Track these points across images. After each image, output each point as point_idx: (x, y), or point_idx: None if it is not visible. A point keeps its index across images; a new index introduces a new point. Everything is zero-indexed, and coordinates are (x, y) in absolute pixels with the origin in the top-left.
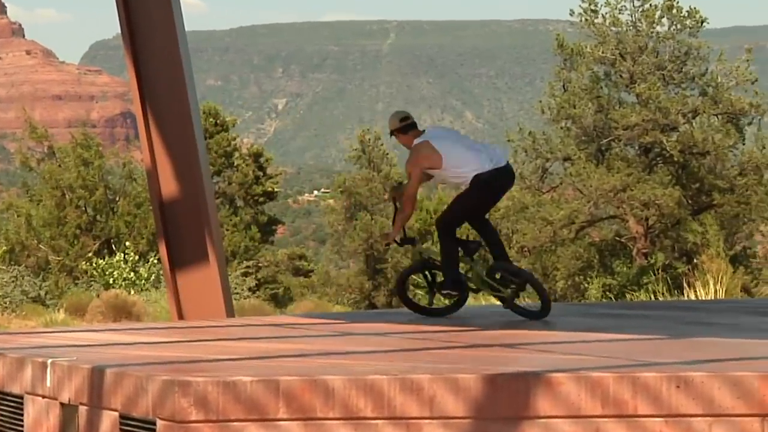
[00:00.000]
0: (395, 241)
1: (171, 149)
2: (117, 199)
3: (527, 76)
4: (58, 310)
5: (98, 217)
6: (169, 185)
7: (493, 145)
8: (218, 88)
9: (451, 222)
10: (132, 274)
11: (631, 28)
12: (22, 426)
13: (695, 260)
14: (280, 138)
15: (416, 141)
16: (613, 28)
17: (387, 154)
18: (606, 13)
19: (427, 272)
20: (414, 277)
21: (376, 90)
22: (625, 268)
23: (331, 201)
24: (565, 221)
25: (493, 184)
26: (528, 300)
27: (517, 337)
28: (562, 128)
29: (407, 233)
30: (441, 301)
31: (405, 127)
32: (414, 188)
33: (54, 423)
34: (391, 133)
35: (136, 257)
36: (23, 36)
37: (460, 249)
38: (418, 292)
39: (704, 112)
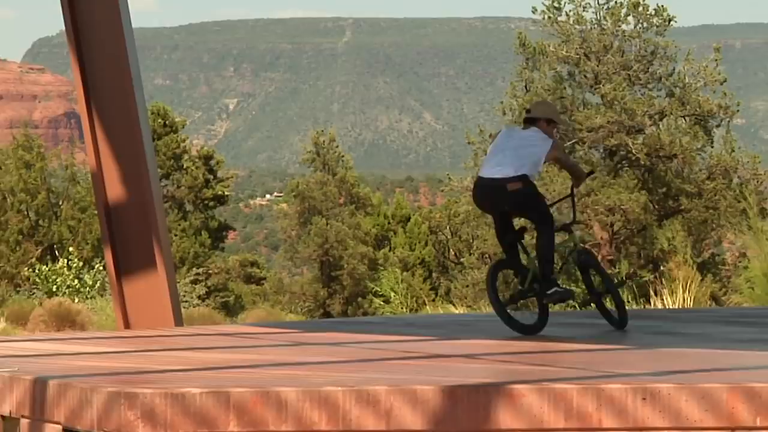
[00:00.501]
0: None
1: (117, 151)
2: (60, 203)
3: (488, 75)
4: None
5: (41, 221)
6: (115, 189)
7: (508, 153)
8: (167, 87)
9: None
10: (76, 281)
11: (595, 26)
12: None
13: (662, 267)
14: (231, 140)
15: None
16: (577, 27)
17: (342, 156)
18: (570, 11)
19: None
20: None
21: (332, 90)
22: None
23: (284, 205)
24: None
25: (474, 192)
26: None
27: (478, 348)
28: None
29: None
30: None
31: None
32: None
33: None
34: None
35: (81, 264)
36: None
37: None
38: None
39: (671, 113)
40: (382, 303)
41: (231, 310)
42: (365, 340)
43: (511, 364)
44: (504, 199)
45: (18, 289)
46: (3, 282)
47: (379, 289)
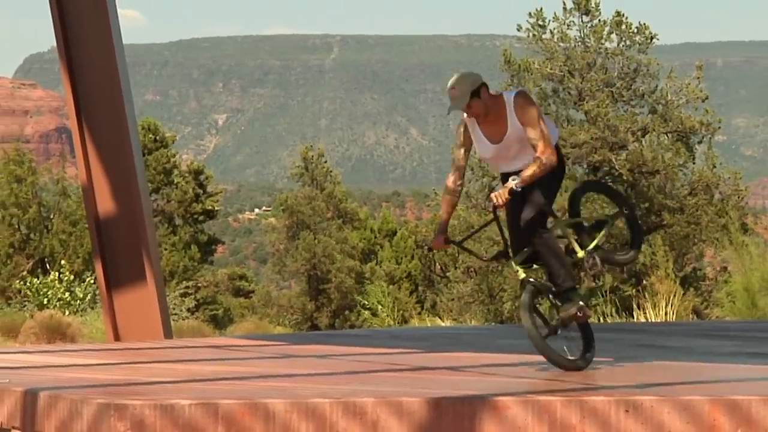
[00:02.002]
0: (479, 256)
1: (108, 166)
2: (51, 216)
3: None
4: None
5: (32, 235)
6: (105, 203)
7: None
8: (157, 103)
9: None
10: (67, 294)
11: (579, 44)
12: None
13: (645, 282)
14: (220, 154)
15: (508, 94)
16: (561, 44)
17: (330, 171)
18: (554, 29)
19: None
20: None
21: (319, 106)
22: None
23: (272, 219)
24: None
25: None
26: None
27: (463, 360)
28: None
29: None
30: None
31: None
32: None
33: None
34: (476, 93)
35: (72, 277)
36: None
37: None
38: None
39: (654, 130)
40: (369, 315)
41: (220, 322)
42: (352, 353)
43: (496, 376)
44: None
45: (9, 301)
46: None
47: (366, 302)
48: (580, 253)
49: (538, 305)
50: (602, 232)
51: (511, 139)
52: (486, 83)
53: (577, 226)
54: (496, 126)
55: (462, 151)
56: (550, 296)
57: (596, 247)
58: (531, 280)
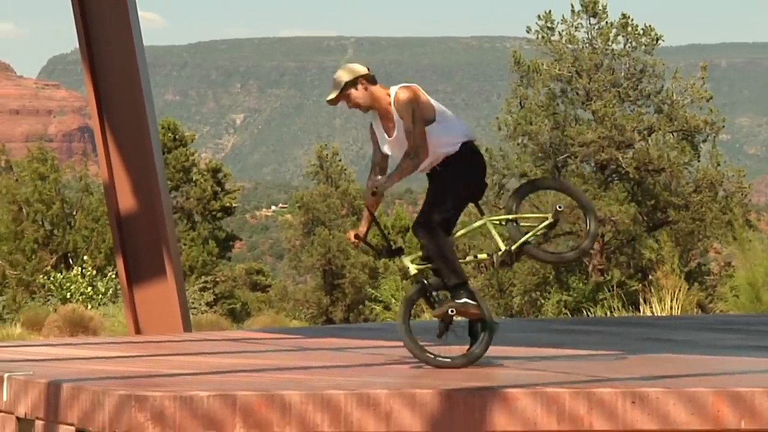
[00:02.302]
0: (376, 252)
1: (129, 164)
2: (74, 213)
3: (484, 92)
4: (15, 324)
5: (55, 231)
6: (126, 200)
7: None
8: (176, 103)
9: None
10: (89, 288)
11: (587, 45)
12: None
13: (650, 277)
14: (237, 153)
15: (394, 88)
16: (570, 46)
17: (345, 169)
18: (562, 31)
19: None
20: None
21: (334, 106)
22: (581, 285)
23: (288, 216)
24: None
25: (481, 160)
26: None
27: None
28: (518, 145)
29: (391, 243)
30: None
31: (373, 77)
32: (423, 128)
33: None
34: (353, 83)
35: (94, 272)
36: None
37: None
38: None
39: (659, 129)
40: (382, 309)
41: (237, 316)
42: (366, 346)
43: (506, 368)
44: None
45: (33, 296)
46: (19, 289)
47: (379, 297)
48: (502, 249)
49: (434, 301)
50: (532, 232)
51: (401, 135)
52: (369, 77)
53: (510, 223)
54: (387, 121)
55: (374, 149)
56: (435, 293)
57: (524, 244)
58: (421, 276)
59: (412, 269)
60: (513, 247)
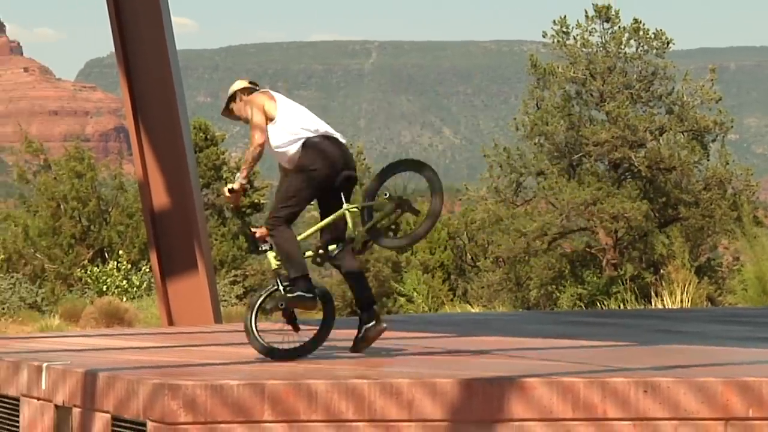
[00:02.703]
0: (249, 247)
1: (162, 162)
2: (109, 209)
3: (502, 94)
4: (54, 316)
5: (92, 227)
6: (160, 197)
7: None
8: (208, 104)
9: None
10: (124, 281)
11: (600, 49)
12: (17, 427)
13: (662, 271)
14: (266, 152)
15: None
16: (584, 49)
17: (369, 168)
18: (577, 35)
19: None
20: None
21: (359, 107)
22: (595, 278)
23: (315, 213)
24: (538, 233)
25: (327, 148)
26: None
27: (492, 344)
28: (535, 144)
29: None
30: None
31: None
32: (262, 119)
33: (48, 424)
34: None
35: (129, 266)
36: (21, 54)
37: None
38: None
39: (671, 129)
40: (405, 302)
41: (266, 308)
42: (389, 337)
43: (523, 359)
44: (352, 162)
45: (71, 288)
46: (57, 282)
47: (402, 290)
48: (353, 236)
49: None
50: (375, 217)
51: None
52: (249, 88)
53: (365, 210)
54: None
55: None
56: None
57: (370, 229)
58: (281, 271)
59: (273, 264)
60: (357, 234)
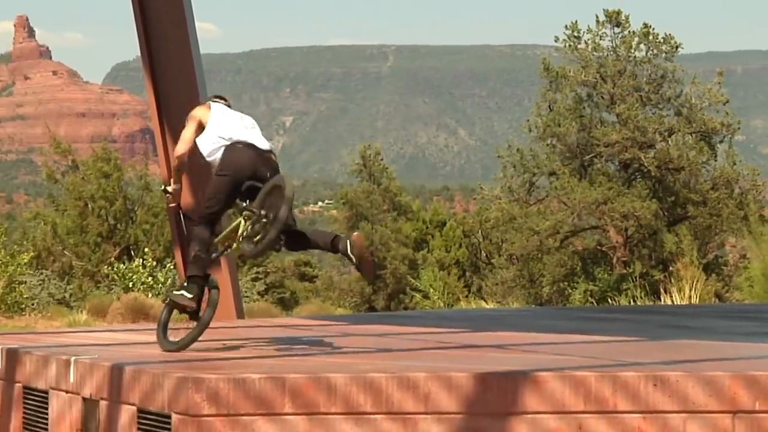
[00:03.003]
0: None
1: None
2: (135, 209)
3: (516, 96)
4: (81, 311)
5: (118, 225)
6: (184, 197)
7: (257, 129)
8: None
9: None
10: (150, 278)
11: (611, 53)
12: (46, 419)
13: (671, 268)
14: (287, 153)
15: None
16: (595, 53)
17: (386, 168)
18: (588, 40)
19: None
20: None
21: (376, 109)
22: (606, 275)
23: (334, 211)
24: (550, 231)
25: (239, 154)
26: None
27: (506, 339)
28: (548, 145)
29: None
30: None
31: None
32: (190, 131)
33: (76, 416)
34: None
35: (154, 263)
36: (50, 58)
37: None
38: None
39: (679, 130)
40: (421, 298)
41: (287, 304)
42: (406, 332)
43: (536, 353)
44: (267, 169)
45: (98, 285)
46: (85, 279)
47: (418, 286)
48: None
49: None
50: (233, 224)
51: None
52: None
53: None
54: None
55: None
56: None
57: (244, 236)
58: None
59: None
60: (216, 240)
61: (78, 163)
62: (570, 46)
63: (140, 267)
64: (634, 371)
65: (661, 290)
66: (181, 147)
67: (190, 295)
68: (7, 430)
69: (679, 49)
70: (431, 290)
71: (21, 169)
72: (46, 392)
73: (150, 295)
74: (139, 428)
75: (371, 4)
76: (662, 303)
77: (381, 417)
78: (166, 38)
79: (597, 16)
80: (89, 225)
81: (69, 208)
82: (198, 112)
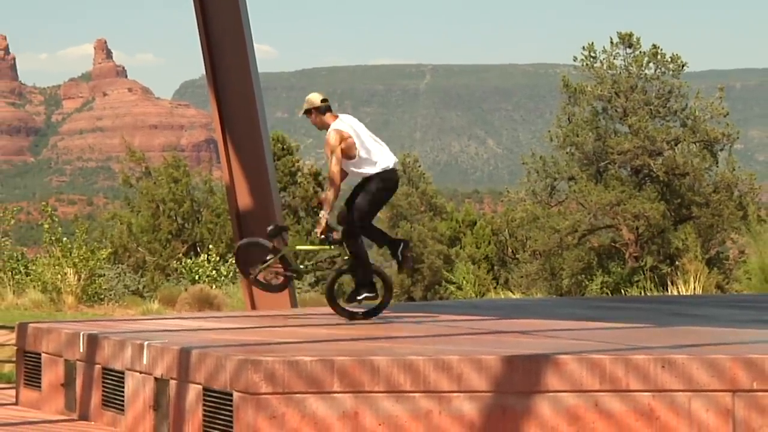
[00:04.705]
0: (327, 240)
1: (246, 169)
2: (201, 210)
3: (539, 110)
4: (153, 301)
5: (186, 224)
6: (244, 199)
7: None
8: (285, 119)
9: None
10: (214, 272)
11: (623, 71)
12: (123, 396)
13: (677, 262)
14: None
15: (333, 124)
16: (609, 71)
17: (423, 174)
18: (603, 59)
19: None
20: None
21: (414, 122)
22: (619, 269)
23: None
24: (569, 230)
25: (393, 180)
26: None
27: (531, 326)
28: (567, 153)
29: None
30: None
31: (325, 108)
32: (337, 167)
33: (149, 394)
34: (307, 112)
35: (217, 258)
36: (126, 76)
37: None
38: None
39: (684, 140)
40: (455, 289)
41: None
42: (441, 319)
43: (557, 339)
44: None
45: (168, 278)
46: (156, 272)
47: (453, 278)
48: None
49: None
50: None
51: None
52: (320, 107)
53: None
54: None
55: None
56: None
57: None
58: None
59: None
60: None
61: (150, 170)
62: (587, 64)
63: (205, 262)
64: (644, 354)
65: (669, 282)
66: (333, 174)
67: (372, 294)
68: (89, 407)
69: (684, 67)
70: (464, 282)
71: (100, 175)
72: (123, 373)
73: (214, 287)
74: (204, 405)
75: (410, 27)
76: (669, 294)
77: (419, 395)
78: (228, 59)
79: (611, 39)
80: (160, 224)
81: (142, 210)
82: (344, 141)
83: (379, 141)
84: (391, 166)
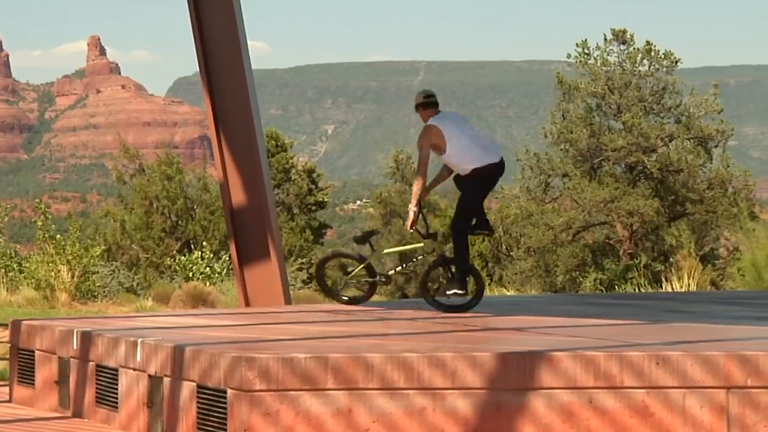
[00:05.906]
0: (418, 232)
1: (240, 166)
2: (195, 207)
3: (533, 106)
4: (147, 298)
5: (179, 222)
6: (238, 196)
7: (490, 138)
8: (279, 116)
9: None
10: (208, 269)
11: (617, 67)
12: (117, 393)
13: (671, 259)
14: (329, 157)
15: (430, 120)
16: (603, 68)
17: None
18: (597, 56)
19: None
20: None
21: (409, 118)
22: (613, 266)
23: (371, 209)
24: (563, 226)
25: (488, 177)
26: None
27: (525, 322)
28: (561, 150)
29: (429, 228)
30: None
31: (427, 104)
32: (424, 161)
33: (143, 391)
34: (415, 108)
35: (211, 255)
36: (119, 73)
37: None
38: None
39: (679, 136)
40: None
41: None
42: (435, 316)
43: (551, 335)
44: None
45: (162, 275)
46: (150, 269)
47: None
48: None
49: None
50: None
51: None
52: (426, 104)
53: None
54: None
55: None
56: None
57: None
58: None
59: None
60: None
61: (144, 167)
62: (581, 61)
63: (199, 259)
64: (638, 351)
65: (663, 279)
66: (421, 163)
67: (462, 292)
68: (83, 404)
69: (678, 63)
70: None
71: (94, 172)
72: (116, 370)
73: (208, 284)
74: (198, 402)
75: (404, 24)
76: (664, 290)
77: (413, 392)
78: (221, 56)
79: (605, 35)
80: (154, 222)
81: (136, 207)
82: (434, 137)
83: (478, 137)
84: (483, 165)
